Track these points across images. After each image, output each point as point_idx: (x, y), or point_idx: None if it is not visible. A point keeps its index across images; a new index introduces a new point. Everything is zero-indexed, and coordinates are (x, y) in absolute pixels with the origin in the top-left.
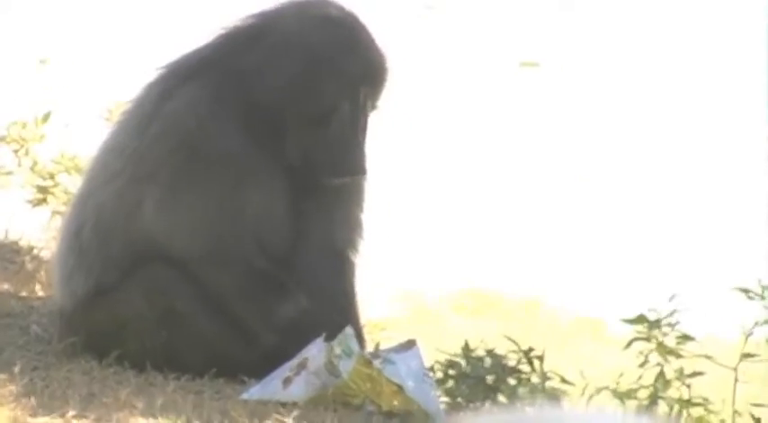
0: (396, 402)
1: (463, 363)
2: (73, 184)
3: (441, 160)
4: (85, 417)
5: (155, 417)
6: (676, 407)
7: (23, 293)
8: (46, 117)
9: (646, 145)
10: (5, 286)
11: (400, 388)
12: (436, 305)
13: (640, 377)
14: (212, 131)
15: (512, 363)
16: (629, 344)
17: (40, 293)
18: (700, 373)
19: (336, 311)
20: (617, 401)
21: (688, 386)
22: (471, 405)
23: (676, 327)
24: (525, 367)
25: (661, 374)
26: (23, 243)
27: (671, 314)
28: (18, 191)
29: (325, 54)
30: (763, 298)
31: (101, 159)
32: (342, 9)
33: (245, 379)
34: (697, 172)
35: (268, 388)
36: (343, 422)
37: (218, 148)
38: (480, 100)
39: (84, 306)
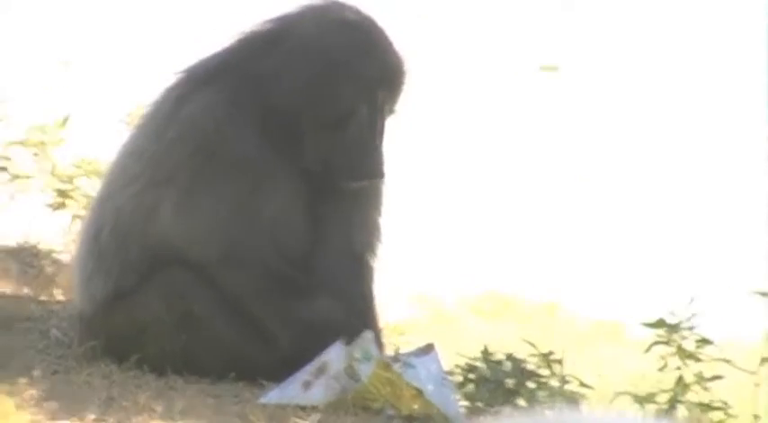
0: (415, 406)
1: (483, 366)
2: (92, 187)
3: (459, 164)
4: (105, 420)
5: (174, 420)
6: (696, 411)
7: (43, 297)
8: (65, 121)
9: (658, 147)
10: (25, 290)
11: (420, 392)
12: (454, 308)
13: (660, 381)
14: (229, 135)
15: (531, 366)
16: (649, 348)
17: (60, 297)
18: (719, 377)
19: (355, 315)
20: (636, 405)
21: (707, 390)
22: (491, 409)
23: (695, 330)
24: (545, 371)
25: (680, 378)
26: (43, 247)
27: (690, 318)
28: (37, 195)
29: (343, 58)
30: None
31: (119, 163)
32: (359, 13)
33: (264, 383)
34: (703, 173)
35: (287, 392)
36: None
37: (235, 151)
38: (499, 104)
39: (103, 310)
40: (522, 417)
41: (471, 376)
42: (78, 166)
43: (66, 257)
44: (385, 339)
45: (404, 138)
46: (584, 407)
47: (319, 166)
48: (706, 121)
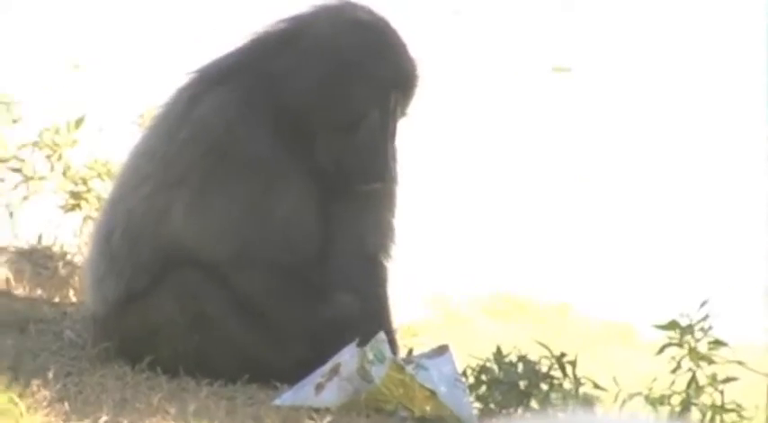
0: (428, 408)
1: (495, 368)
2: (105, 189)
3: (472, 165)
4: (118, 422)
5: (187, 422)
6: (709, 413)
7: (57, 299)
8: (79, 122)
9: (667, 148)
10: (39, 292)
11: (433, 393)
12: (467, 310)
13: (673, 383)
14: (242, 135)
15: (544, 368)
16: (662, 349)
17: (74, 299)
18: (733, 379)
19: (368, 316)
20: (649, 407)
21: (721, 392)
22: (504, 411)
23: (708, 332)
24: (557, 373)
25: (693, 380)
26: (56, 249)
27: (703, 319)
28: (51, 196)
29: (356, 59)
30: None
31: (131, 164)
32: (373, 14)
33: (278, 385)
34: (709, 174)
35: (300, 394)
36: None
37: (247, 152)
38: (511, 105)
39: (115, 311)
40: (535, 419)
41: (484, 378)
42: (91, 168)
43: (79, 259)
44: (398, 341)
45: (417, 139)
46: (597, 409)
47: (331, 167)
48: (709, 121)
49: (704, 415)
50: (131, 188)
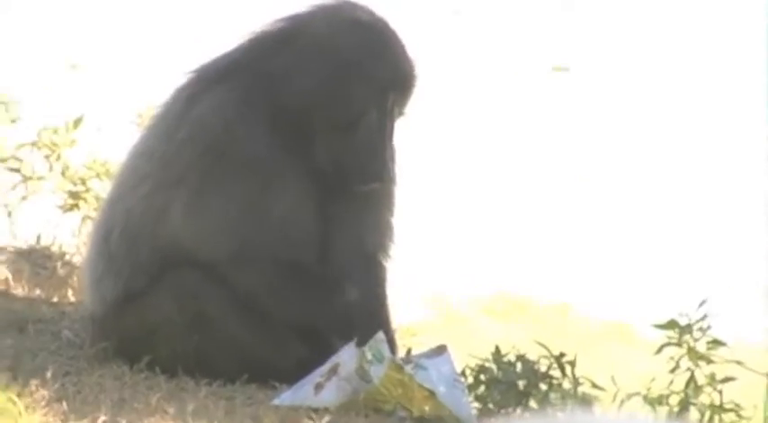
0: (427, 408)
1: (494, 368)
2: (104, 189)
3: (471, 165)
4: (117, 422)
5: (186, 422)
6: (708, 413)
7: (55, 299)
8: (77, 122)
9: (667, 147)
10: (37, 292)
11: (432, 393)
12: (466, 310)
13: (671, 383)
14: (240, 135)
15: (543, 368)
16: (660, 349)
17: (72, 299)
18: (731, 379)
19: (368, 316)
20: (648, 407)
21: (719, 392)
22: (503, 411)
23: (707, 332)
24: (556, 372)
25: (692, 380)
26: (55, 248)
27: (702, 319)
28: (49, 196)
29: (355, 59)
30: None
31: (130, 164)
32: (372, 14)
33: (277, 385)
34: (709, 173)
35: (299, 394)
36: None
37: (245, 151)
38: (511, 104)
39: (114, 311)
40: (534, 419)
41: (483, 378)
42: (90, 168)
43: (78, 259)
44: (397, 341)
45: (417, 139)
46: (596, 409)
47: (329, 167)
48: (708, 120)
49: (703, 415)
50: (130, 188)
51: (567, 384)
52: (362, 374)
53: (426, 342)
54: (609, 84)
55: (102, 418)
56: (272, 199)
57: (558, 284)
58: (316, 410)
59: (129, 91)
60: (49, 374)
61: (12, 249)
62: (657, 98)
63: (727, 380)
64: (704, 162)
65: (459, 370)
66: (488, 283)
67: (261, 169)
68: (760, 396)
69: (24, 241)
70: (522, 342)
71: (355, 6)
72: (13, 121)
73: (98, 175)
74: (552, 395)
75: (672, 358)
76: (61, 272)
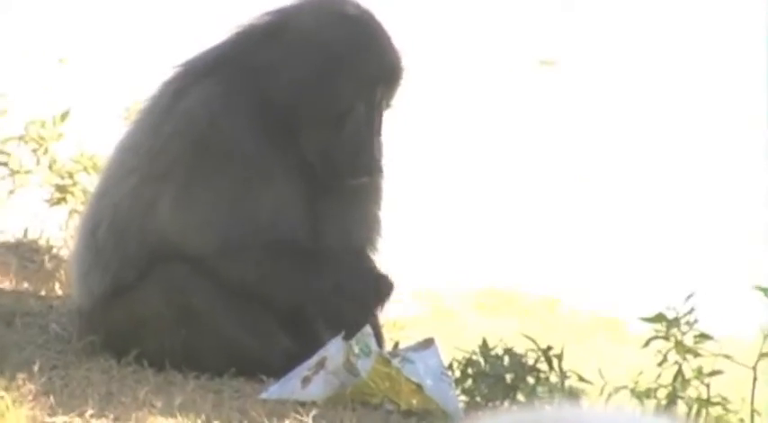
0: (414, 401)
1: (482, 361)
2: (91, 182)
3: (459, 159)
4: (104, 416)
5: (174, 416)
6: (695, 406)
7: (43, 292)
8: (64, 116)
9: (654, 144)
10: (25, 285)
11: (419, 387)
12: (454, 304)
13: (659, 376)
14: (226, 128)
15: (530, 361)
16: (648, 343)
17: (60, 292)
18: (718, 373)
19: (344, 321)
20: (635, 400)
21: (707, 385)
22: (490, 404)
23: (695, 325)
24: (544, 366)
25: (679, 373)
26: (42, 242)
27: (689, 313)
28: (37, 190)
29: (343, 53)
30: None
31: (117, 158)
32: (358, 7)
33: (264, 378)
34: (706, 171)
35: (287, 387)
36: (361, 421)
37: (232, 145)
38: (497, 98)
39: (101, 305)
40: (521, 412)
41: (470, 371)
42: (77, 162)
43: (65, 252)
44: (385, 334)
45: (404, 133)
46: (583, 402)
47: (317, 161)
48: (704, 117)
49: (690, 408)
50: (117, 182)
51: (554, 378)
52: (350, 368)
53: (414, 336)
54: (596, 78)
55: (90, 411)
56: (259, 193)
57: (546, 279)
58: (303, 404)
59: (116, 85)
60: (36, 368)
61: None
62: (645, 92)
63: (714, 373)
64: (692, 155)
65: (446, 363)
66: (477, 278)
67: (248, 163)
68: (747, 389)
69: (11, 235)
70: (509, 336)
71: (342, 0)
72: (1, 115)
73: (85, 169)
74: (539, 388)
75: (659, 352)
76: (48, 265)
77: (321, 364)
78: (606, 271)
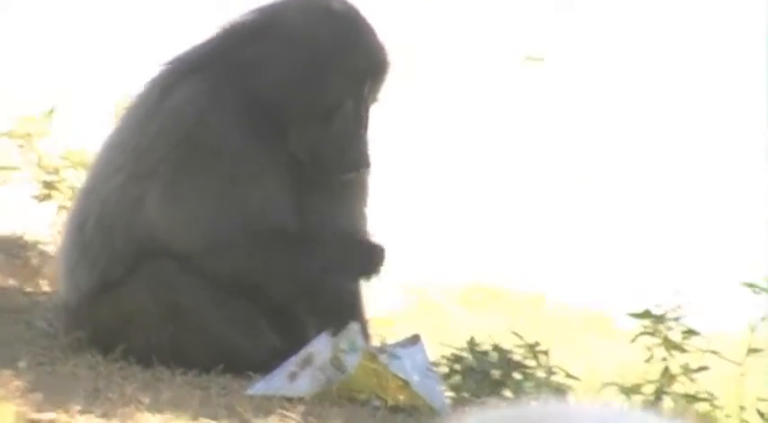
0: (401, 397)
1: (469, 357)
2: (79, 179)
3: (445, 155)
4: (91, 412)
5: (161, 412)
6: (682, 402)
7: (29, 288)
8: (52, 112)
9: (646, 142)
10: (11, 281)
11: (406, 383)
12: (441, 299)
13: (646, 372)
14: (213, 125)
15: (517, 357)
16: (635, 338)
17: (46, 288)
18: (705, 368)
19: (342, 305)
20: (623, 396)
21: (694, 381)
22: (477, 400)
23: (682, 321)
24: (531, 362)
25: (666, 369)
26: (29, 238)
27: (676, 309)
28: (24, 186)
29: (330, 48)
30: None
31: (104, 155)
32: (344, 3)
33: (251, 374)
34: (699, 168)
35: (273, 383)
36: (348, 417)
37: (219, 142)
38: (484, 94)
39: (88, 301)
40: (509, 408)
41: (457, 367)
42: (65, 158)
43: (52, 249)
44: (371, 330)
45: (391, 128)
46: (570, 398)
47: (306, 157)
48: (698, 115)
49: (677, 404)
50: (104, 179)
51: (541, 374)
52: (337, 364)
53: (401, 332)
54: (584, 75)
55: (77, 407)
56: (246, 189)
57: (533, 275)
58: (290, 400)
59: (104, 82)
60: (22, 364)
61: None
62: (635, 89)
63: (701, 369)
64: (684, 151)
65: (432, 359)
66: (464, 273)
67: (235, 160)
68: (734, 385)
69: None
70: (496, 332)
71: None
72: None
73: (73, 165)
74: (527, 384)
75: (646, 348)
76: (35, 261)
77: (308, 360)
78: (593, 267)
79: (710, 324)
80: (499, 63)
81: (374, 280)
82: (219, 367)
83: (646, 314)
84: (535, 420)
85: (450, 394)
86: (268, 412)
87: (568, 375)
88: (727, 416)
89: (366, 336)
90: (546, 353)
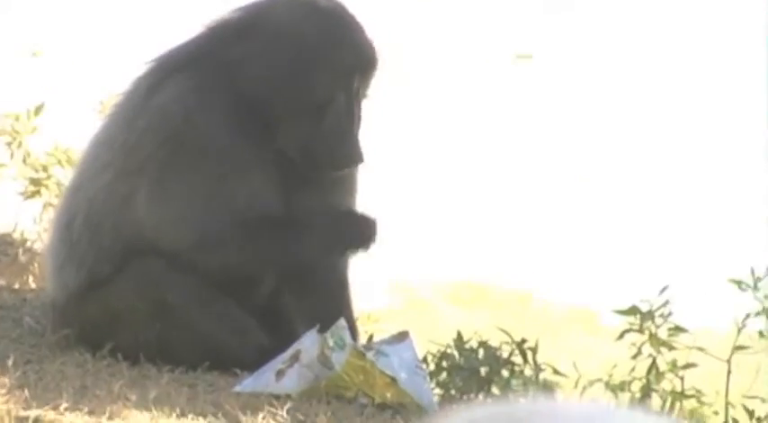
0: (389, 394)
1: (456, 354)
2: (66, 176)
3: (434, 153)
4: (79, 409)
5: (148, 409)
6: (669, 399)
7: (16, 286)
8: (39, 109)
9: (640, 140)
10: None
11: (393, 380)
12: (429, 297)
13: (633, 369)
14: (200, 123)
15: (505, 354)
16: (622, 335)
17: (33, 286)
18: (693, 365)
19: (330, 302)
20: (610, 393)
21: (681, 378)
22: (464, 397)
23: (669, 318)
24: (518, 359)
25: (654, 366)
26: (16, 235)
27: (663, 305)
28: (11, 183)
29: (319, 45)
30: (755, 289)
31: (91, 152)
32: (330, 0)
33: (239, 372)
34: (693, 166)
35: (261, 380)
36: (335, 415)
37: (206, 139)
38: (475, 92)
39: (76, 298)
40: (496, 405)
41: (445, 364)
42: (52, 155)
43: (39, 246)
44: (359, 327)
45: (381, 125)
46: (557, 395)
47: (296, 154)
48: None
49: (664, 401)
50: (91, 176)
51: (528, 371)
52: (324, 361)
53: (389, 329)
54: (573, 72)
55: (64, 405)
56: (234, 187)
57: (520, 272)
58: (277, 397)
59: (91, 79)
60: (10, 362)
61: None
62: (636, 90)
63: (688, 366)
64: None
65: (420, 356)
66: (452, 271)
67: (222, 157)
68: (721, 382)
69: None
70: (483, 329)
71: None
72: None
73: (60, 163)
74: (514, 381)
75: (634, 345)
76: (22, 258)
77: (295, 358)
78: (580, 264)
79: (697, 321)
80: (491, 61)
81: (366, 252)
82: (206, 364)
83: (633, 311)
84: (523, 418)
85: (438, 391)
86: (255, 409)
87: (556, 372)
88: (715, 413)
89: (353, 333)
90: (534, 350)
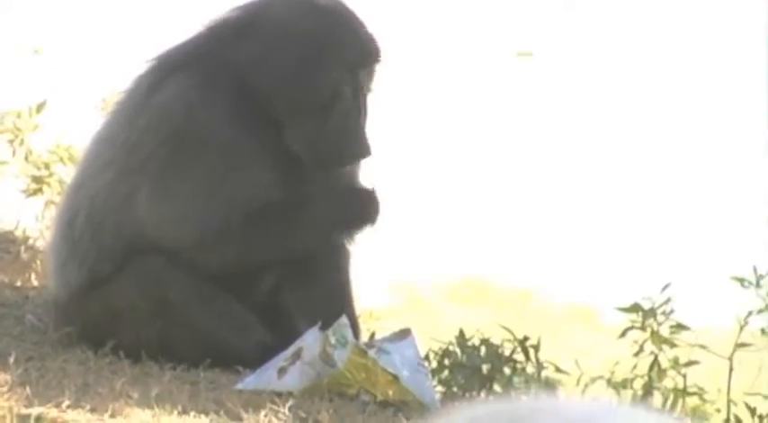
0: (391, 392)
1: (458, 352)
2: (68, 174)
3: (435, 151)
4: (81, 407)
5: (150, 407)
6: (671, 396)
7: (18, 283)
8: (41, 107)
9: (641, 138)
10: (1, 276)
11: (395, 378)
12: (431, 294)
13: (635, 366)
14: (202, 121)
15: (507, 352)
16: (624, 333)
17: (36, 283)
18: (695, 363)
19: (332, 300)
20: (612, 391)
21: (683, 376)
22: (466, 394)
23: (671, 316)
24: (520, 357)
25: (656, 364)
26: (18, 233)
27: (665, 303)
28: (13, 181)
29: (321, 41)
30: (757, 286)
31: (93, 150)
32: None
33: (240, 369)
34: (694, 164)
35: (263, 378)
36: (337, 412)
37: (208, 137)
38: (475, 89)
39: (78, 296)
40: (498, 402)
41: (447, 362)
42: (53, 153)
43: (41, 243)
44: (361, 325)
45: (382, 124)
46: (559, 392)
47: (303, 151)
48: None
49: (666, 398)
50: (93, 174)
51: (530, 368)
52: (326, 359)
53: (390, 326)
54: (572, 69)
55: (66, 402)
56: (236, 182)
57: (522, 270)
58: (279, 394)
59: (93, 76)
60: (12, 359)
61: None
62: (636, 88)
63: (690, 364)
64: (683, 152)
65: (422, 354)
66: (453, 269)
67: (223, 155)
68: (723, 380)
69: None
70: (486, 327)
71: None
72: None
73: (62, 160)
74: (516, 379)
75: (635, 342)
76: (24, 256)
77: (297, 355)
78: (581, 262)
79: (699, 318)
80: (491, 59)
81: (373, 229)
82: (208, 362)
83: (635, 308)
84: (525, 416)
85: (440, 389)
86: (257, 407)
87: (558, 370)
88: (717, 410)
89: (355, 330)
90: (536, 347)
